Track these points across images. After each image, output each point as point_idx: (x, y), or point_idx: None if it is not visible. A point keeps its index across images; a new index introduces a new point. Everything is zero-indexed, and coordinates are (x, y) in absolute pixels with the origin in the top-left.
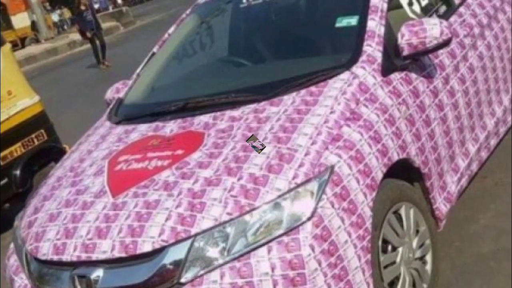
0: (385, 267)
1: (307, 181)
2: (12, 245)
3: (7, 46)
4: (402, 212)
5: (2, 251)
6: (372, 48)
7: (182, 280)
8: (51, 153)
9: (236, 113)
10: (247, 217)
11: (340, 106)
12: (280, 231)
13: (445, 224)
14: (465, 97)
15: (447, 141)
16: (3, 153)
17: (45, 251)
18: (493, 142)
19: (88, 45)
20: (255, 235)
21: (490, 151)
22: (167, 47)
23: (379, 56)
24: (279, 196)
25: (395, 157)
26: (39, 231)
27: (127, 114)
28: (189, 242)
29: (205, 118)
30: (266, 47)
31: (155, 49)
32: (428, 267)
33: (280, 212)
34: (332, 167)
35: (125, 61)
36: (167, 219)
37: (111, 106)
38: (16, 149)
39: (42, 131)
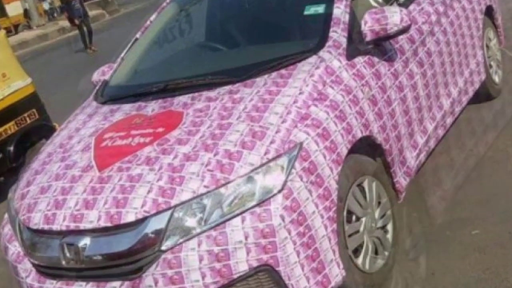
0: (350, 235)
1: (278, 156)
2: (6, 216)
3: (2, 33)
4: (365, 185)
5: None
6: (338, 34)
7: (163, 247)
8: (42, 130)
9: (212, 94)
10: (222, 190)
11: (308, 88)
12: (253, 203)
13: (404, 196)
14: (423, 79)
15: (406, 120)
16: None
17: (37, 221)
18: (449, 120)
19: (76, 31)
20: (230, 206)
21: (446, 129)
22: (149, 33)
23: (344, 41)
24: (252, 170)
25: (359, 134)
26: (31, 202)
27: (112, 95)
28: (169, 212)
29: (184, 98)
30: (240, 33)
31: (138, 35)
32: (389, 236)
33: (253, 185)
34: (301, 143)
35: (111, 46)
36: (149, 192)
37: (97, 87)
38: (10, 127)
39: (34, 110)
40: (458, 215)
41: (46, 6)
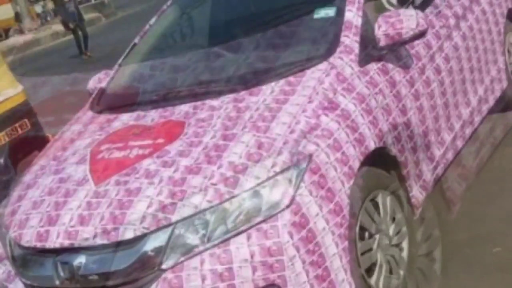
0: (362, 253)
1: (286, 169)
2: None
3: None
4: (379, 199)
5: None
6: (350, 39)
7: (163, 266)
8: (35, 142)
9: (215, 102)
10: (226, 205)
11: (318, 96)
12: (259, 218)
13: (420, 212)
14: (441, 87)
15: (423, 130)
16: None
17: (29, 238)
18: (468, 131)
19: (70, 36)
20: (235, 222)
21: (465, 140)
22: (148, 37)
23: (356, 46)
24: (258, 184)
25: (372, 146)
26: (23, 218)
27: (109, 104)
28: (170, 229)
29: (186, 107)
30: (245, 38)
31: (136, 40)
32: (405, 254)
33: (259, 199)
34: (310, 155)
35: (107, 51)
36: (148, 207)
37: (93, 95)
38: (0, 138)
39: (26, 120)
40: (478, 232)
41: (38, 9)
